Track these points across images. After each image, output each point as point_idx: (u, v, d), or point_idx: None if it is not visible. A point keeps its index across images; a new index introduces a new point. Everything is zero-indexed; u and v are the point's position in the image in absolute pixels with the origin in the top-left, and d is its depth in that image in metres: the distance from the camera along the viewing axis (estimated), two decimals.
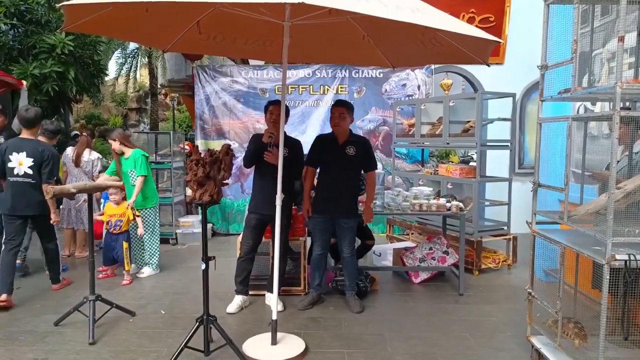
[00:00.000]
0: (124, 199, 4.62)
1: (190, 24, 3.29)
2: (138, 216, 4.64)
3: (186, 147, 7.94)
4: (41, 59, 7.03)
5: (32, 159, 4.02)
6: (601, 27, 3.87)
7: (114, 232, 4.53)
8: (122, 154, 4.79)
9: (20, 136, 4.19)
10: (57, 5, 4.63)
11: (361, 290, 4.23)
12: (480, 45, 2.83)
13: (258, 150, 3.75)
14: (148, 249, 4.90)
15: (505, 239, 5.28)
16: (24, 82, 6.08)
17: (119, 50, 16.36)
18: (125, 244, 4.56)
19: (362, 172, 4.10)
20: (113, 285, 4.58)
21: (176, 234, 6.39)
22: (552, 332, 2.78)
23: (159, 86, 18.36)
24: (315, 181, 4.15)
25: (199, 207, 2.98)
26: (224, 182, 2.94)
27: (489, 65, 3.05)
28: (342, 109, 3.89)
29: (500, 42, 2.35)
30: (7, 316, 3.82)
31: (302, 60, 6.19)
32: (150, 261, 4.94)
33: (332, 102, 6.57)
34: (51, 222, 4.11)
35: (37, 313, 3.88)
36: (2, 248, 4.07)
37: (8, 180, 4.07)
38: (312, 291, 4.11)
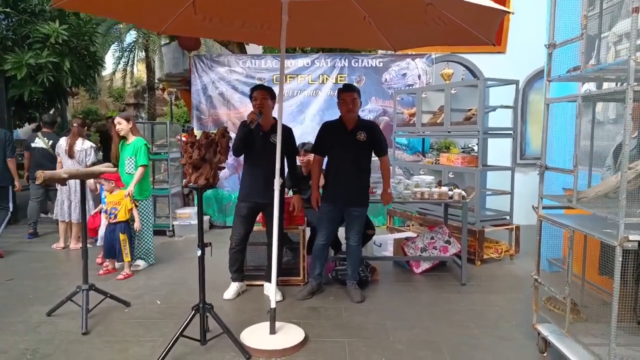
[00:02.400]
0: (120, 187, 4.49)
1: (185, 3, 3.18)
2: (136, 206, 4.52)
3: (183, 138, 7.85)
4: (36, 49, 6.90)
5: None
6: (607, 10, 3.77)
7: (111, 221, 4.41)
8: (124, 138, 4.67)
9: None
10: None
11: (362, 280, 4.14)
12: (485, 21, 2.73)
13: (245, 135, 3.64)
14: (143, 241, 4.79)
15: (507, 228, 5.20)
16: None
17: (115, 43, 16.17)
18: (122, 236, 4.40)
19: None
20: (109, 277, 4.48)
21: (173, 225, 6.29)
22: (547, 309, 2.70)
23: (156, 80, 18.21)
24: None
25: (194, 191, 2.88)
26: (220, 165, 2.84)
27: (494, 45, 2.95)
28: (353, 94, 3.74)
29: (510, 12, 2.24)
30: None
31: (301, 44, 6.09)
32: (145, 254, 4.83)
33: (336, 89, 6.43)
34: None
35: (30, 304, 3.78)
36: None
37: None
38: (312, 281, 4.00)
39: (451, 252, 4.61)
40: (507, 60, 6.78)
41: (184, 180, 2.88)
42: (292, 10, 3.10)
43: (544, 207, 2.98)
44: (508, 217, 5.23)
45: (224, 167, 2.88)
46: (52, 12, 7.47)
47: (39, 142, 6.08)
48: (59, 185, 5.48)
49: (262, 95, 3.74)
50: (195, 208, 6.52)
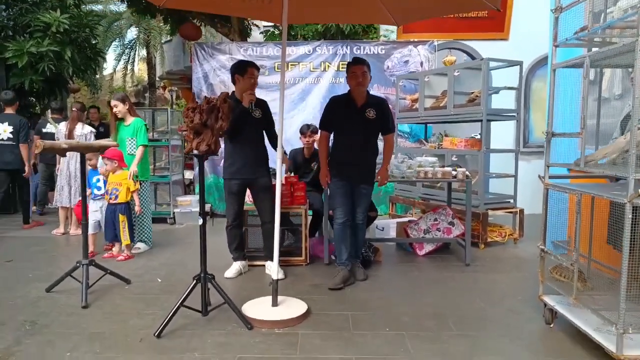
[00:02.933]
0: (122, 167, 4.44)
1: None
2: (137, 188, 4.46)
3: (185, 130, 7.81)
4: (37, 37, 6.88)
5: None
6: None
7: (111, 201, 4.36)
8: (122, 120, 4.64)
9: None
10: None
11: (365, 260, 4.10)
12: None
13: (240, 115, 3.60)
14: (142, 224, 4.74)
15: (511, 212, 5.15)
16: None
17: (117, 40, 16.17)
18: (121, 217, 4.35)
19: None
20: (109, 259, 4.43)
21: (174, 213, 6.24)
22: (554, 279, 2.65)
23: (157, 78, 18.20)
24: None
25: (197, 159, 2.84)
26: (222, 132, 2.79)
27: (499, 10, 2.91)
28: (363, 67, 3.59)
29: None
30: None
31: (303, 21, 6.05)
32: (145, 237, 4.78)
33: (338, 77, 6.55)
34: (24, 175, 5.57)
35: (29, 282, 3.74)
36: None
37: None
38: (342, 268, 3.66)
39: (455, 234, 4.55)
40: (509, 48, 6.74)
41: (185, 149, 2.83)
42: None
43: (551, 177, 2.93)
44: (512, 201, 5.18)
45: (225, 135, 2.84)
46: (53, 2, 7.46)
47: (50, 127, 6.07)
48: (59, 169, 5.48)
49: (256, 75, 3.75)
50: (196, 196, 6.52)
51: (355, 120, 3.64)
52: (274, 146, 3.78)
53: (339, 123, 3.70)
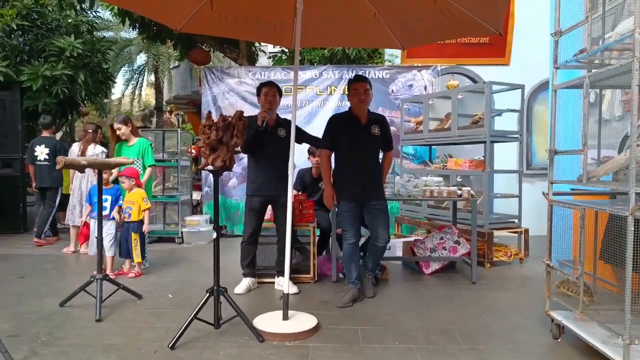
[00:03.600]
0: (139, 185, 4.52)
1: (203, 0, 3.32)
2: (149, 207, 4.52)
3: (193, 151, 7.97)
4: (51, 62, 7.11)
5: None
6: (609, 11, 3.90)
7: (125, 219, 4.45)
8: (124, 141, 4.77)
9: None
10: None
11: (375, 278, 4.14)
12: (493, 7, 2.83)
13: (256, 136, 3.70)
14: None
15: (516, 231, 5.21)
16: None
17: (126, 65, 16.56)
18: (134, 235, 4.42)
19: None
20: (119, 276, 4.49)
21: (182, 232, 6.32)
22: (560, 294, 2.71)
23: (164, 102, 18.53)
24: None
25: (212, 175, 2.94)
26: (236, 149, 2.91)
27: (501, 34, 3.06)
28: (366, 85, 3.62)
29: None
30: (12, 299, 3.75)
31: (312, 45, 6.24)
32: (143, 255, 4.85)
33: (343, 100, 6.71)
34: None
35: (42, 297, 3.80)
36: None
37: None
38: (352, 287, 3.69)
39: (460, 253, 4.61)
40: (510, 72, 6.90)
41: (200, 164, 2.94)
42: (304, 9, 3.21)
43: (555, 194, 3.02)
44: (516, 221, 5.25)
45: (239, 152, 2.95)
46: (68, 28, 7.73)
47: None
48: (72, 188, 5.61)
49: (274, 92, 3.86)
50: (205, 215, 6.61)
51: (362, 138, 3.65)
52: (317, 145, 4.07)
53: (343, 141, 3.68)
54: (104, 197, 4.66)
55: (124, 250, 4.50)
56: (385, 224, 3.72)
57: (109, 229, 4.52)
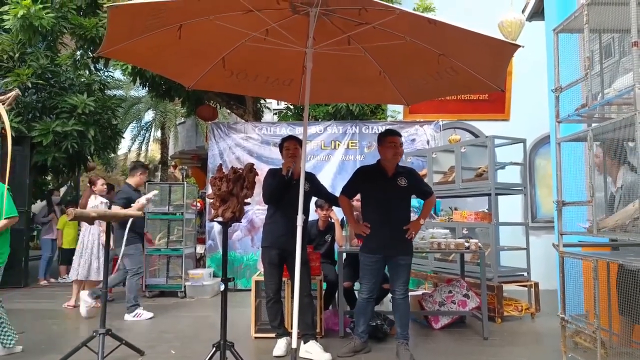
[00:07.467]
0: None
1: (217, 58, 3.47)
2: None
3: (198, 204, 8.00)
4: (63, 118, 7.30)
5: None
6: (606, 68, 4.07)
7: None
8: None
9: None
10: (105, 6, 4.89)
11: (382, 332, 4.05)
12: (495, 65, 2.95)
13: (282, 185, 3.68)
14: None
15: (525, 285, 5.12)
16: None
17: (134, 121, 16.99)
18: None
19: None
20: (120, 329, 4.39)
21: (185, 286, 6.23)
22: (575, 343, 2.63)
23: (169, 157, 18.83)
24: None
25: (221, 226, 2.95)
26: (246, 201, 2.94)
27: (503, 91, 3.17)
28: (399, 138, 3.68)
29: (520, 46, 2.43)
30: (11, 358, 3.64)
31: (319, 101, 6.42)
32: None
33: (347, 155, 6.85)
34: None
35: (42, 353, 3.70)
36: None
37: None
38: (356, 338, 3.72)
39: (470, 307, 4.51)
40: (511, 127, 7.04)
41: (211, 215, 2.96)
42: (312, 67, 3.35)
43: (565, 245, 3.02)
44: (525, 274, 5.18)
45: (249, 203, 2.98)
46: (81, 87, 8.01)
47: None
48: (80, 244, 5.60)
49: (294, 145, 3.88)
50: (208, 269, 6.54)
51: (388, 189, 3.65)
52: (337, 204, 4.03)
53: (367, 191, 3.72)
54: None
55: None
56: (405, 279, 3.66)
57: None
